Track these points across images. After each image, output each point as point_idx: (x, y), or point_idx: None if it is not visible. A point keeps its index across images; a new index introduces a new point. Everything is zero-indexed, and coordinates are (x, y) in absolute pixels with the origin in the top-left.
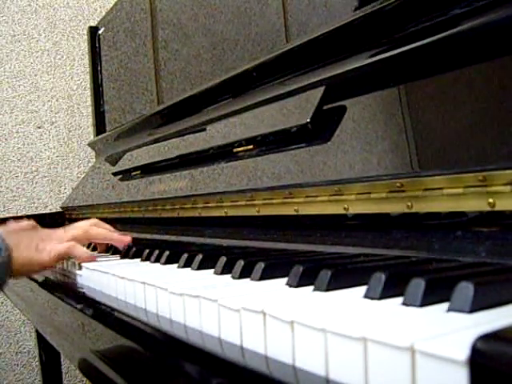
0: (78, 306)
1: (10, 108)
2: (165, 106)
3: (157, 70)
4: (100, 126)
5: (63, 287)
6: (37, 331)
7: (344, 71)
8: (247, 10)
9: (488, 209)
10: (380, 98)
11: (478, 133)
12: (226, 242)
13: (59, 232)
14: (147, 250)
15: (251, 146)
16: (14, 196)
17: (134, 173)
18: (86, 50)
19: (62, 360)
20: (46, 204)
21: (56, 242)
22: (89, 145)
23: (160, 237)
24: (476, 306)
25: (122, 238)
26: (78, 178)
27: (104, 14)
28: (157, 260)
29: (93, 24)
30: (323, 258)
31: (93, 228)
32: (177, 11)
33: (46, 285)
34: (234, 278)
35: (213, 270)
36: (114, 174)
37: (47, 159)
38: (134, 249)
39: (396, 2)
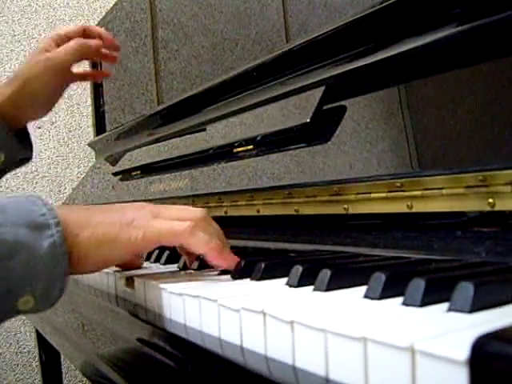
0: None
1: None
2: (165, 106)
3: (157, 70)
4: (100, 126)
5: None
6: (37, 331)
7: (344, 71)
8: (247, 9)
9: (488, 209)
10: (380, 98)
11: (478, 133)
12: None
13: (151, 205)
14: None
15: (251, 146)
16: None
17: (134, 173)
18: None
19: (62, 360)
20: None
21: (152, 217)
22: (89, 145)
23: None
24: (476, 306)
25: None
26: (78, 178)
27: (104, 14)
28: (156, 260)
29: (93, 24)
30: (323, 258)
31: (209, 221)
32: (177, 11)
33: None
34: (234, 277)
35: (213, 270)
36: (114, 174)
37: (47, 159)
38: None
39: (396, 2)
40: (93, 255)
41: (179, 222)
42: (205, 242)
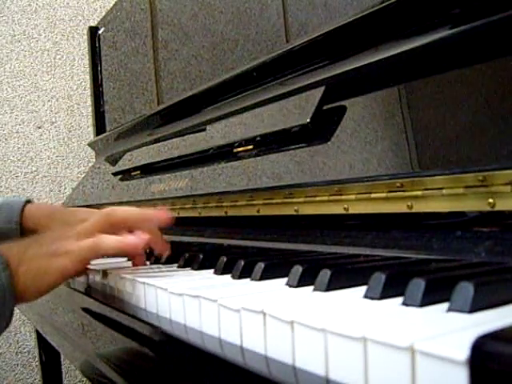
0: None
1: (10, 108)
2: (165, 106)
3: (157, 70)
4: (100, 126)
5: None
6: (37, 331)
7: (344, 71)
8: (247, 10)
9: (488, 209)
10: (380, 98)
11: (477, 133)
12: (225, 242)
13: (73, 227)
14: (147, 250)
15: (251, 146)
16: (14, 196)
17: (134, 173)
18: (86, 49)
19: (62, 360)
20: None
21: (74, 240)
22: (89, 145)
23: None
24: (476, 306)
25: (161, 215)
26: (78, 177)
27: (104, 13)
28: (157, 260)
29: (93, 24)
30: (323, 257)
31: (117, 209)
32: (177, 11)
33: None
34: (233, 277)
35: (213, 270)
36: (114, 174)
37: (47, 159)
38: None
39: (396, 2)
40: (30, 287)
41: (89, 239)
42: (116, 245)
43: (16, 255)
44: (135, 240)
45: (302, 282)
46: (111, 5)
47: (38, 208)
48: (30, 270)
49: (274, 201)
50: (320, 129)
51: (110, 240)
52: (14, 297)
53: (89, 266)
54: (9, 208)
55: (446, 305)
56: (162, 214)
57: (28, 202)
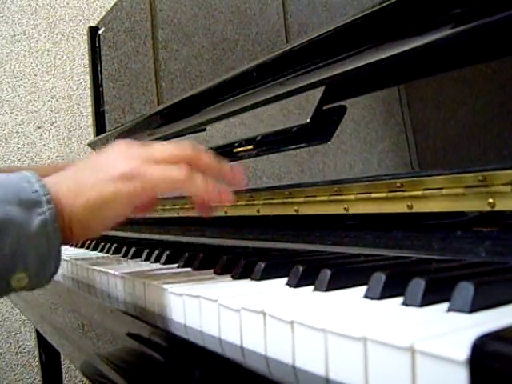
0: None
1: (10, 108)
2: (165, 106)
3: (157, 70)
4: (100, 126)
5: None
6: (37, 331)
7: (344, 71)
8: (247, 10)
9: (488, 209)
10: (380, 98)
11: (477, 133)
12: (226, 242)
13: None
14: (147, 250)
15: (251, 146)
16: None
17: None
18: (86, 49)
19: (62, 360)
20: None
21: (146, 163)
22: (89, 145)
23: (160, 237)
24: (476, 306)
25: (236, 177)
26: None
27: (104, 13)
28: (157, 260)
29: (93, 24)
30: (323, 257)
31: (202, 152)
32: (177, 11)
33: None
34: (234, 277)
35: (213, 270)
36: None
37: (47, 159)
38: (134, 249)
39: (396, 2)
40: (93, 220)
41: (174, 167)
42: (203, 187)
43: (69, 187)
44: (227, 195)
45: (302, 282)
46: (111, 5)
47: (45, 169)
48: (92, 200)
49: (274, 201)
50: (320, 129)
51: (201, 184)
52: (70, 232)
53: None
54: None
55: (446, 305)
56: (238, 177)
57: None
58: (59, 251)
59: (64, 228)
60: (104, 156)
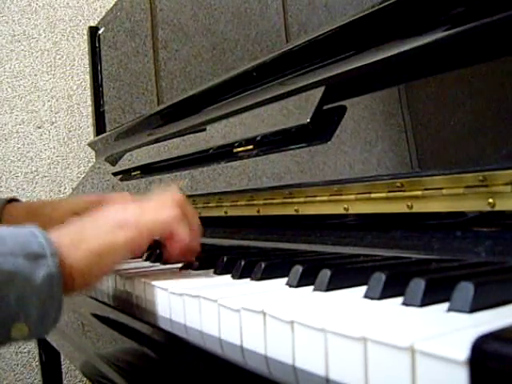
0: None
1: (10, 108)
2: (165, 106)
3: (157, 70)
4: (100, 126)
5: None
6: None
7: (344, 71)
8: (247, 10)
9: (488, 209)
10: (380, 98)
11: (478, 133)
12: (226, 242)
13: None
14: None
15: (251, 146)
16: (14, 196)
17: (134, 173)
18: (86, 50)
19: (62, 360)
20: None
21: (141, 211)
22: (89, 145)
23: None
24: (476, 306)
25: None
26: (78, 178)
27: (104, 14)
28: (157, 260)
29: (93, 24)
30: (323, 257)
31: (189, 204)
32: (177, 11)
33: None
34: (234, 277)
35: (213, 270)
36: (114, 174)
37: (47, 159)
38: None
39: (396, 2)
40: (95, 268)
41: (167, 210)
42: (187, 231)
43: (72, 239)
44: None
45: (302, 282)
46: (111, 5)
47: (16, 208)
48: (92, 250)
49: (274, 201)
50: (320, 129)
51: (186, 229)
52: (71, 283)
53: None
54: None
55: (446, 305)
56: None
57: (10, 201)
58: (60, 303)
59: (66, 279)
60: (102, 213)
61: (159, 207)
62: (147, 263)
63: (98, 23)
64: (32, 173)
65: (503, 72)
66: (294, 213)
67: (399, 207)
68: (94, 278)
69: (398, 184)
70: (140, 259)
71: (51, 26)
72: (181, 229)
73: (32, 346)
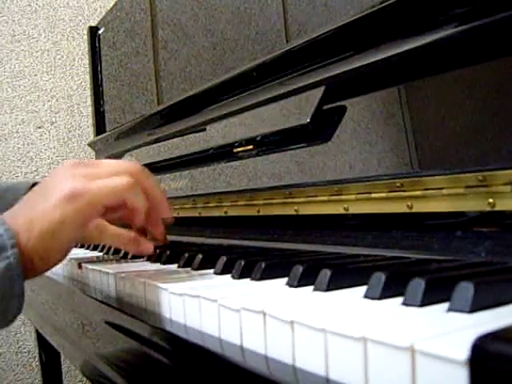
0: None
1: (10, 108)
2: (165, 106)
3: (157, 70)
4: (100, 126)
5: None
6: (37, 331)
7: (344, 71)
8: (247, 10)
9: (488, 209)
10: (380, 98)
11: (477, 133)
12: (226, 242)
13: (95, 164)
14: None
15: (251, 146)
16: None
17: None
18: (86, 49)
19: (62, 360)
20: None
21: (90, 180)
22: (89, 145)
23: None
24: (476, 306)
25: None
26: None
27: (104, 13)
28: (157, 260)
29: (93, 24)
30: (323, 257)
31: (147, 174)
32: (177, 11)
33: None
34: (234, 277)
35: (213, 270)
36: None
37: (47, 159)
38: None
39: (396, 2)
40: (50, 249)
41: (117, 177)
42: (143, 200)
43: (25, 221)
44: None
45: (302, 282)
46: (111, 5)
47: None
48: (45, 229)
49: (274, 201)
50: (320, 129)
51: (143, 198)
52: (33, 266)
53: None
54: (15, 191)
55: (446, 305)
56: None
57: (34, 184)
58: (22, 291)
59: (25, 265)
60: (51, 180)
61: (109, 173)
62: (147, 263)
63: (98, 23)
64: (32, 173)
65: (503, 72)
66: (294, 213)
67: (399, 207)
68: (52, 258)
69: (398, 184)
70: (140, 260)
71: (51, 26)
72: (134, 197)
73: (32, 346)
